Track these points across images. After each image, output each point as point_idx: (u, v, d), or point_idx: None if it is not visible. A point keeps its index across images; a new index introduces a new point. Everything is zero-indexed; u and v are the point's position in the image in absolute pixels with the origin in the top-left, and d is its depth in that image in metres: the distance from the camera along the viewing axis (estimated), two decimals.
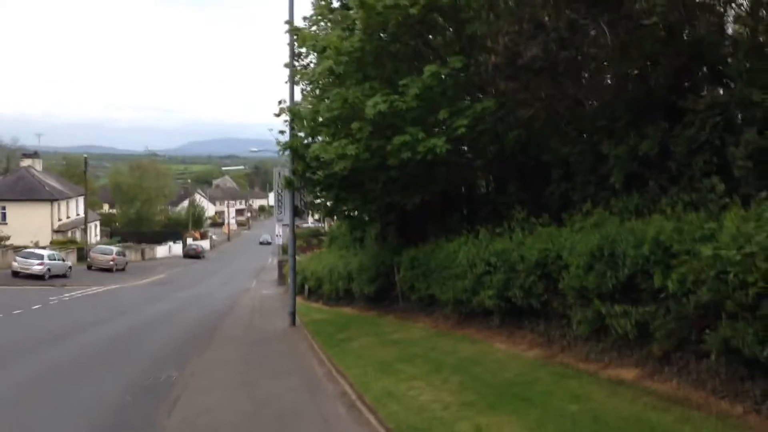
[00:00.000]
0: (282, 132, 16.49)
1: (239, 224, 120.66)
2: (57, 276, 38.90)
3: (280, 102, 16.11)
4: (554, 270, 9.54)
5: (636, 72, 9.88)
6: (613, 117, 10.18)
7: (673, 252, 7.11)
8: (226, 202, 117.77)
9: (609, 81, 9.95)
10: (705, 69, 9.07)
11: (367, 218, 19.51)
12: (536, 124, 11.73)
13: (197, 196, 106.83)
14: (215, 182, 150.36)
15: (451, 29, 13.42)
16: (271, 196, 19.80)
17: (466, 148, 14.92)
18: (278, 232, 45.45)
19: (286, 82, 16.49)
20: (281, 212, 18.72)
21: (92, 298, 31.69)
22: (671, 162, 9.11)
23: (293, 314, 18.30)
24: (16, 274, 37.12)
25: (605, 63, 9.52)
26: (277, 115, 15.92)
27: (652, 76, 9.45)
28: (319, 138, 15.24)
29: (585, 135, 10.95)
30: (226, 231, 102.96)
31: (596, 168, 10.68)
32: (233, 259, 73.05)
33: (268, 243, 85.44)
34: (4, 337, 17.19)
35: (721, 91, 8.59)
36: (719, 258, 6.28)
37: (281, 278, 41.16)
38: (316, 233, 64.56)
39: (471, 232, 12.84)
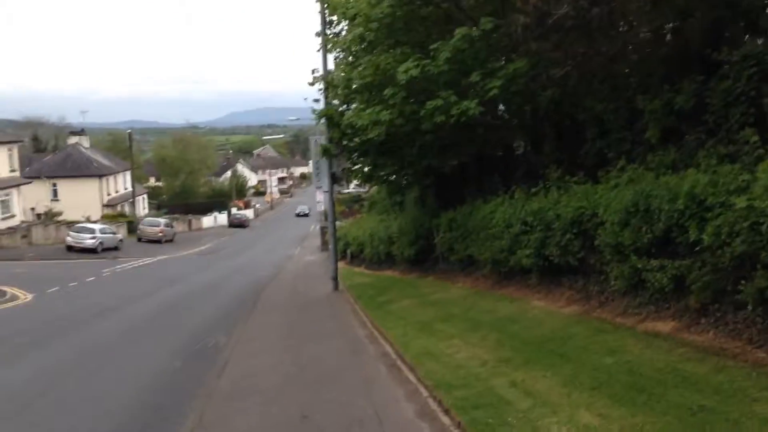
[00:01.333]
0: (317, 100, 16.69)
1: (282, 192, 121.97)
2: (109, 249, 40.25)
3: (313, 71, 16.27)
4: (590, 227, 9.58)
5: (670, 26, 9.69)
6: (647, 72, 10.05)
7: (707, 205, 7.10)
8: (267, 171, 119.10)
9: (642, 36, 9.78)
10: (741, 21, 8.84)
11: (405, 182, 19.63)
12: (570, 82, 11.63)
13: (239, 166, 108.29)
14: (256, 152, 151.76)
15: None
16: (312, 163, 20.10)
17: (502, 108, 14.87)
18: (319, 199, 45.88)
19: (318, 51, 16.60)
20: (319, 180, 18.99)
21: (143, 269, 32.77)
22: (707, 115, 8.99)
23: (335, 279, 18.68)
24: (70, 248, 38.59)
25: (637, 19, 9.35)
26: (311, 84, 16.10)
27: (687, 30, 9.27)
28: (354, 105, 15.34)
29: (619, 91, 10.81)
30: (269, 199, 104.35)
31: (631, 124, 10.59)
32: (277, 227, 74.18)
33: (306, 215, 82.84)
34: (62, 309, 18.07)
35: (759, 42, 8.38)
36: (753, 209, 6.27)
37: (324, 244, 41.73)
38: (357, 198, 64.92)
39: (507, 193, 12.91)
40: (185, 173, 78.91)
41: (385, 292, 16.05)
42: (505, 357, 7.81)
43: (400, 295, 14.90)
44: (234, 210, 77.62)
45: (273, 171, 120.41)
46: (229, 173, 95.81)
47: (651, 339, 7.46)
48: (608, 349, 7.37)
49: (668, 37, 10.17)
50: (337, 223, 46.90)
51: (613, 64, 10.73)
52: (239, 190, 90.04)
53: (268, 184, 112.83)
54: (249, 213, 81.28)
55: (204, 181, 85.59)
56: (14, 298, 20.98)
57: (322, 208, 51.08)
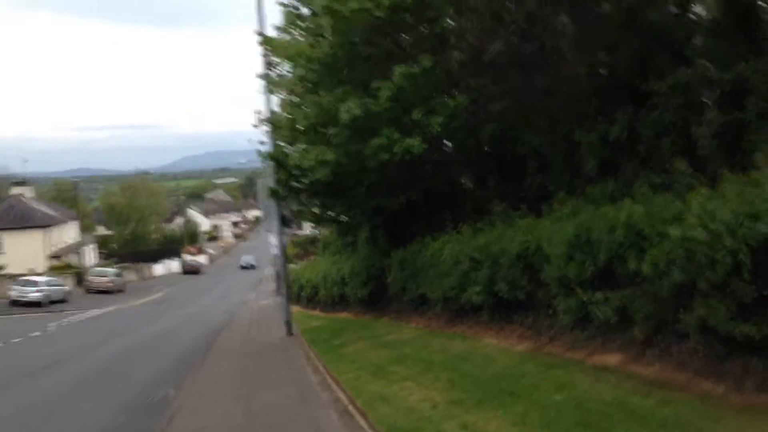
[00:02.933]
0: (262, 142, 16.57)
1: (236, 236, 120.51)
2: (56, 301, 38.95)
3: (257, 112, 16.19)
4: (536, 261, 9.60)
5: (599, 59, 9.96)
6: (581, 105, 10.26)
7: (645, 235, 7.19)
8: (220, 215, 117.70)
9: (573, 71, 10.00)
10: (666, 51, 9.13)
11: (353, 223, 19.55)
12: (508, 117, 11.80)
13: (191, 212, 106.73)
14: (208, 196, 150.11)
15: (422, 27, 13.45)
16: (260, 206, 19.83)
17: (449, 144, 14.99)
18: (271, 242, 45.40)
19: (260, 93, 16.57)
20: (269, 223, 18.77)
21: (91, 321, 31.72)
22: (640, 145, 9.20)
23: (289, 323, 18.36)
24: (14, 302, 37.17)
25: (568, 53, 9.57)
26: (256, 126, 16.02)
27: (615, 62, 9.53)
28: (299, 145, 15.29)
29: (556, 125, 11.01)
30: (223, 244, 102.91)
31: (570, 157, 10.76)
32: (232, 272, 73.10)
33: (252, 266, 74.51)
34: (3, 365, 17.28)
35: (683, 70, 8.64)
36: (687, 238, 6.34)
37: (279, 288, 41.21)
38: (313, 240, 64.49)
39: (455, 229, 12.92)
40: (135, 221, 77.30)
41: (339, 334, 15.80)
42: (457, 398, 7.67)
43: (354, 337, 14.67)
44: (187, 257, 76.33)
45: (226, 215, 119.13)
46: (180, 219, 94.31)
47: (599, 373, 7.44)
48: (558, 384, 7.31)
49: (599, 69, 10.42)
50: (291, 265, 46.46)
51: (548, 98, 10.93)
52: (191, 235, 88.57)
53: (221, 228, 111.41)
54: (203, 259, 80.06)
55: (155, 228, 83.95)
56: None
57: (275, 251, 50.70)
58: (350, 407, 8.51)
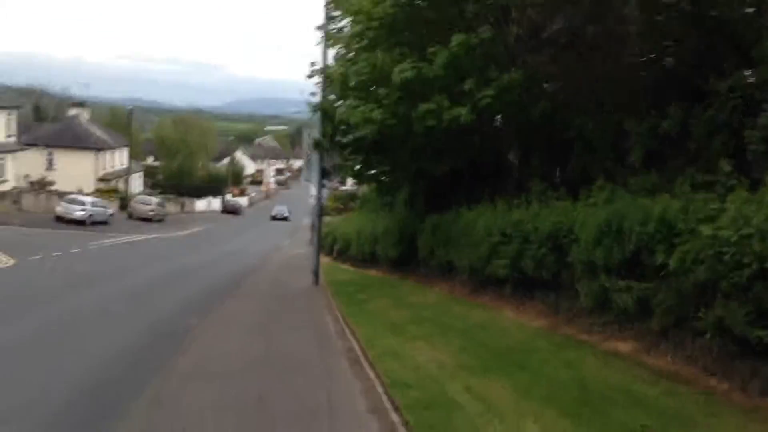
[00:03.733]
0: (313, 94, 16.72)
1: (279, 183, 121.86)
2: (98, 222, 40.12)
3: (312, 64, 16.30)
4: (565, 243, 9.64)
5: (662, 51, 9.79)
6: (635, 95, 10.13)
7: (677, 230, 7.18)
8: (266, 160, 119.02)
9: (635, 59, 9.87)
10: (733, 50, 8.94)
11: (394, 183, 19.66)
12: (561, 98, 11.71)
13: (238, 154, 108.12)
14: (257, 141, 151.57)
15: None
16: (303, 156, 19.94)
17: (499, 117, 14.92)
18: (311, 193, 45.85)
19: (317, 45, 16.65)
20: (309, 173, 19.02)
21: (130, 246, 32.72)
22: (690, 142, 9.08)
23: (316, 273, 18.71)
24: (59, 218, 38.45)
25: (630, 41, 9.43)
26: (309, 77, 16.15)
27: (678, 56, 9.36)
28: (348, 101, 15.38)
29: (608, 111, 10.90)
30: (265, 189, 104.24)
31: (617, 144, 10.67)
32: (269, 217, 74.11)
33: (284, 218, 68.88)
34: (41, 279, 18.05)
35: (746, 73, 8.47)
36: (717, 238, 6.34)
37: (313, 238, 41.77)
38: (353, 196, 64.97)
39: (492, 202, 12.96)
40: (183, 155, 78.67)
41: (365, 290, 16.09)
42: (466, 363, 7.87)
43: (378, 294, 14.96)
44: (228, 196, 77.58)
45: (272, 161, 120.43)
46: (227, 159, 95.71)
47: (610, 358, 7.54)
48: (567, 363, 7.45)
49: (663, 60, 10.25)
50: (329, 218, 46.98)
51: (604, 83, 10.81)
52: (235, 177, 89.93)
53: (266, 173, 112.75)
54: (243, 201, 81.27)
55: (202, 165, 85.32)
56: None
57: (314, 201, 51.27)
58: (362, 358, 8.78)
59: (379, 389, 7.15)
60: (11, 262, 21.27)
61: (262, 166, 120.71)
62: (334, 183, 23.20)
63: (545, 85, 11.64)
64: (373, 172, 18.57)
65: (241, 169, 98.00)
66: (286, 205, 73.91)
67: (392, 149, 16.04)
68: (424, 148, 15.39)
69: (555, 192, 11.13)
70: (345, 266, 26.23)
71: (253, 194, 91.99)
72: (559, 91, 11.49)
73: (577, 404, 6.01)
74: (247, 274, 21.65)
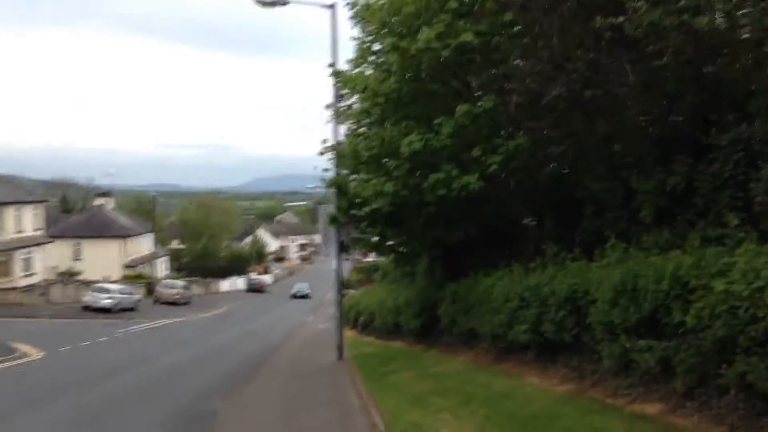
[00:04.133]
0: (326, 170, 17.09)
1: (302, 259, 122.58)
2: (125, 309, 40.57)
3: (323, 141, 16.75)
4: (584, 304, 9.59)
5: (663, 109, 9.96)
6: (640, 153, 10.25)
7: (691, 287, 7.14)
8: (288, 237, 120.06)
9: (636, 119, 10.04)
10: (728, 106, 9.08)
11: (411, 253, 19.77)
12: (567, 160, 11.87)
13: (260, 232, 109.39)
14: (278, 218, 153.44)
15: (488, 69, 13.71)
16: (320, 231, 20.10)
17: (510, 182, 15.11)
18: (334, 267, 46.05)
19: (327, 123, 17.14)
20: (328, 248, 19.22)
21: (156, 331, 32.94)
22: (697, 197, 9.11)
23: (340, 348, 18.65)
24: (87, 307, 38.99)
25: (629, 101, 9.62)
26: (321, 154, 16.54)
27: (676, 113, 9.52)
28: (361, 175, 15.70)
29: (615, 171, 11.00)
30: (288, 265, 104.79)
31: (627, 203, 10.71)
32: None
33: (305, 296, 65.92)
34: (69, 369, 18.25)
35: (744, 127, 8.57)
36: (730, 293, 6.31)
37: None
38: (376, 268, 65.06)
39: (508, 267, 12.98)
40: (207, 237, 79.93)
41: (388, 363, 15.98)
42: None
43: (402, 366, 14.84)
44: (253, 275, 78.08)
45: (294, 237, 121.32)
46: (249, 238, 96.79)
47: (636, 421, 7.38)
48: (593, 430, 7.31)
49: (655, 123, 10.43)
50: (352, 291, 46.88)
51: (608, 143, 10.97)
52: (259, 255, 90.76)
53: (289, 250, 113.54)
54: (267, 278, 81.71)
55: (225, 245, 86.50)
56: (25, 355, 21.19)
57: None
58: None
59: None
60: (41, 354, 21.57)
61: (285, 242, 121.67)
62: (357, 255, 23.25)
63: (550, 149, 11.78)
64: (390, 243, 18.71)
65: (264, 246, 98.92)
66: (306, 282, 71.04)
67: (406, 220, 16.23)
68: (438, 217, 15.56)
69: (570, 254, 11.14)
70: (369, 339, 26.07)
71: (277, 271, 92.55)
72: (565, 154, 11.63)
73: None
74: (271, 353, 21.64)
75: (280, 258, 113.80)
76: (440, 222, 15.91)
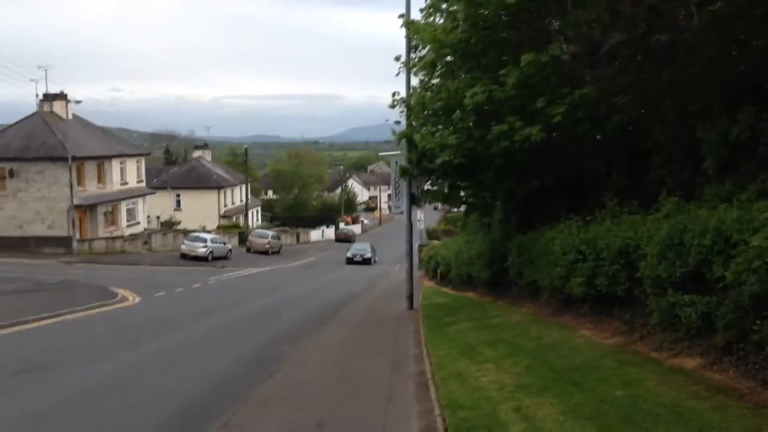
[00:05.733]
0: (398, 122, 17.21)
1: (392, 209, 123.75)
2: (219, 258, 42.70)
3: (394, 93, 16.81)
4: (635, 258, 9.46)
5: (729, 55, 9.46)
6: (706, 101, 9.82)
7: (733, 241, 6.95)
8: (380, 187, 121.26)
9: (701, 65, 9.57)
10: None
11: (483, 205, 19.71)
12: (633, 110, 11.49)
13: (351, 182, 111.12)
14: (370, 168, 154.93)
15: (552, 17, 13.32)
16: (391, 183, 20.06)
17: (585, 129, 14.76)
18: (420, 217, 46.41)
19: (397, 75, 17.14)
20: (399, 200, 19.52)
21: (246, 278, 34.58)
22: (760, 147, 8.70)
23: (410, 298, 19.09)
24: (183, 255, 41.35)
25: (696, 46, 9.17)
26: (392, 107, 16.64)
27: (744, 59, 9.03)
28: (428, 128, 15.73)
29: (681, 120, 10.60)
30: (378, 215, 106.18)
31: (691, 154, 10.33)
32: (382, 243, 75.28)
33: (364, 260, 48.87)
34: (162, 312, 19.68)
35: None
36: (765, 248, 6.12)
37: (421, 263, 42.21)
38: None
39: (571, 219, 12.83)
40: (298, 187, 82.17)
41: (454, 313, 16.26)
42: (526, 383, 7.93)
43: (465, 317, 15.08)
44: (342, 225, 79.79)
45: (384, 187, 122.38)
46: (340, 188, 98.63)
47: (673, 375, 7.34)
48: (625, 381, 7.33)
49: (722, 69, 9.93)
50: (435, 242, 47.12)
51: (674, 91, 10.54)
52: (348, 205, 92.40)
53: (380, 200, 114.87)
54: (356, 228, 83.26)
55: (316, 195, 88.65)
56: (123, 300, 22.96)
57: (423, 226, 51.83)
58: (429, 381, 9.01)
59: (436, 411, 7.38)
60: (138, 299, 23.29)
61: (376, 192, 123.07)
62: (421, 207, 23.35)
63: (615, 99, 11.42)
64: (461, 195, 18.74)
65: (354, 196, 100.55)
66: (368, 243, 57.12)
67: (477, 171, 16.20)
68: (508, 169, 15.46)
69: (628, 206, 10.92)
70: (446, 289, 26.40)
71: (366, 221, 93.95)
72: (631, 103, 11.25)
73: (621, 422, 5.97)
74: (348, 301, 22.38)
75: (371, 208, 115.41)
76: (511, 173, 15.80)
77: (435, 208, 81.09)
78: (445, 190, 18.84)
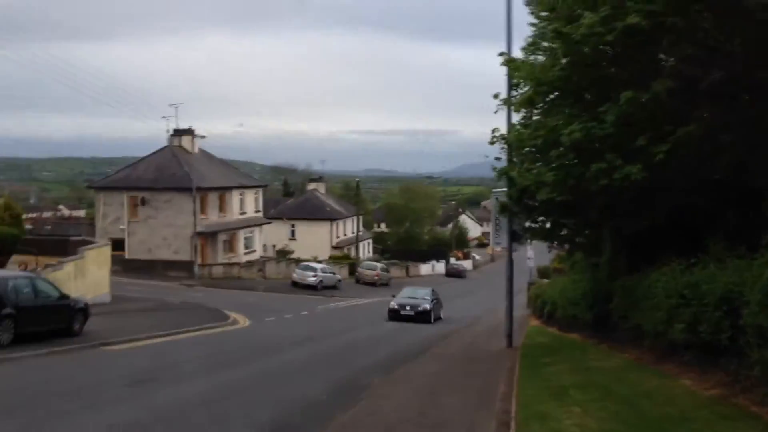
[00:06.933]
0: (498, 158, 17.16)
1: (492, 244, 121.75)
2: (328, 287, 43.80)
3: (493, 130, 16.80)
4: (739, 305, 8.92)
5: None
6: None
7: None
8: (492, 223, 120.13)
9: None
10: None
11: (586, 244, 19.16)
12: (742, 148, 10.93)
13: (463, 217, 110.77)
14: (483, 203, 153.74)
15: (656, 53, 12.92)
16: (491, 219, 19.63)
17: (693, 167, 14.16)
18: (529, 254, 45.54)
19: (495, 112, 17.10)
20: (498, 236, 19.35)
21: (352, 308, 35.27)
22: None
23: (510, 336, 18.75)
24: (295, 284, 42.81)
25: None
26: (491, 143, 16.63)
27: None
28: (527, 165, 15.59)
29: None
30: (491, 251, 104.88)
31: None
32: (493, 280, 74.09)
33: (419, 316, 29.65)
34: (268, 336, 20.58)
35: None
36: None
37: (529, 301, 41.22)
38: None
39: (675, 261, 12.27)
40: (410, 221, 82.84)
41: (553, 354, 15.84)
42: (609, 429, 7.66)
43: (563, 358, 14.66)
44: (452, 260, 79.48)
45: None
46: (452, 224, 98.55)
47: None
48: None
49: None
50: (544, 281, 45.96)
51: None
52: (460, 240, 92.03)
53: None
54: (467, 264, 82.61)
55: (428, 230, 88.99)
56: (235, 322, 24.13)
57: (532, 264, 50.64)
58: (512, 421, 8.86)
59: None
60: (248, 322, 24.41)
61: (488, 228, 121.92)
62: (522, 245, 22.79)
63: (722, 137, 10.92)
64: (564, 233, 18.33)
65: (466, 231, 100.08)
66: (429, 288, 35.80)
67: (580, 209, 15.84)
68: (612, 207, 15.03)
69: (735, 250, 10.32)
70: (551, 330, 25.62)
71: (478, 257, 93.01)
72: (738, 141, 10.72)
73: None
74: (447, 336, 22.30)
75: (483, 244, 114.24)
76: (616, 212, 15.34)
77: (549, 247, 79.02)
78: (547, 228, 18.51)
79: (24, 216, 48.65)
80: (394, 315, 29.35)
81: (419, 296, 31.63)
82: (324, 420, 9.23)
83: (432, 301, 31.34)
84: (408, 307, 29.74)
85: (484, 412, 9.77)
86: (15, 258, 24.93)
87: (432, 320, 29.77)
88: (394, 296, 31.74)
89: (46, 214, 77.71)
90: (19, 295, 15.89)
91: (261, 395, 11.27)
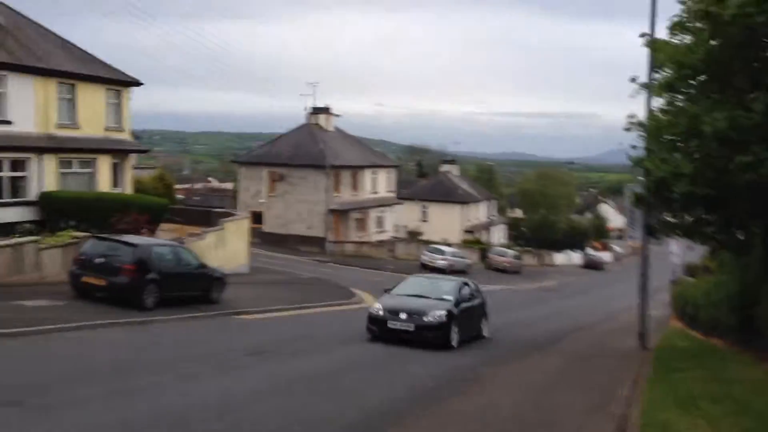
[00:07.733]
0: (634, 147, 16.11)
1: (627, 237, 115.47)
2: (457, 271, 43.47)
3: (629, 116, 15.75)
4: None
5: None
6: None
7: None
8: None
9: None
10: None
11: (731, 242, 17.59)
12: None
13: (604, 207, 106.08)
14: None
15: None
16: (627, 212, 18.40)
17: None
18: (674, 250, 42.59)
19: (631, 96, 15.96)
20: (633, 229, 18.25)
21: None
22: None
23: (642, 336, 17.74)
24: (424, 266, 42.96)
25: None
26: (626, 130, 15.62)
27: None
28: (664, 154, 14.51)
29: None
30: (632, 244, 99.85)
31: None
32: (634, 274, 70.38)
33: (416, 329, 14.98)
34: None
35: None
36: None
37: (672, 300, 38.75)
38: None
39: None
40: (545, 208, 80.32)
41: (688, 359, 14.77)
42: None
43: (698, 365, 13.62)
44: (590, 251, 76.23)
45: None
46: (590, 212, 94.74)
47: None
48: None
49: None
50: (690, 279, 42.95)
51: None
52: (598, 230, 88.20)
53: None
54: (607, 256, 78.95)
55: (564, 218, 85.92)
56: (360, 301, 24.58)
57: (678, 260, 47.27)
58: (630, 427, 8.36)
59: None
60: (365, 304, 24.74)
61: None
62: (659, 240, 21.21)
63: None
64: (706, 230, 16.92)
65: (604, 222, 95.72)
66: (454, 281, 19.59)
67: (726, 205, 14.59)
68: (763, 203, 13.72)
69: None
70: (693, 333, 23.99)
71: (618, 249, 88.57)
72: None
73: None
74: (573, 333, 21.47)
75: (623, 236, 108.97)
76: (766, 208, 14.01)
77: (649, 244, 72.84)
78: (687, 223, 17.19)
79: (176, 186, 52.68)
80: (379, 329, 15.42)
81: (432, 293, 16.71)
82: (432, 406, 9.23)
83: (456, 303, 16.10)
84: (403, 315, 15.32)
85: (600, 413, 9.32)
86: (164, 226, 26.73)
87: (453, 342, 15.24)
88: (388, 291, 17.69)
89: (197, 186, 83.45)
90: (162, 261, 17.07)
91: (377, 374, 11.57)
